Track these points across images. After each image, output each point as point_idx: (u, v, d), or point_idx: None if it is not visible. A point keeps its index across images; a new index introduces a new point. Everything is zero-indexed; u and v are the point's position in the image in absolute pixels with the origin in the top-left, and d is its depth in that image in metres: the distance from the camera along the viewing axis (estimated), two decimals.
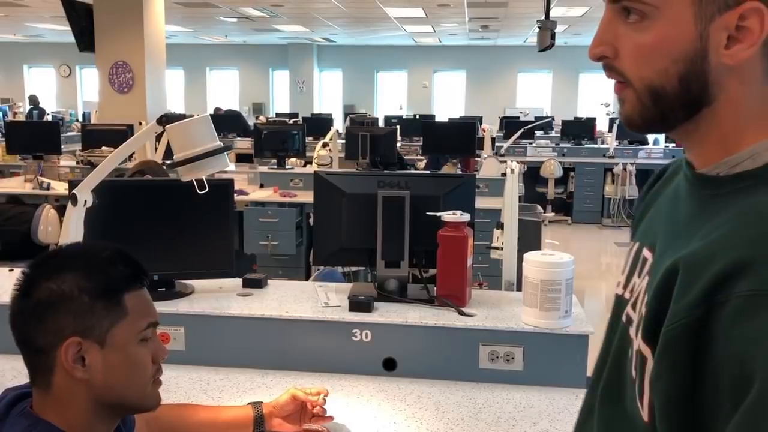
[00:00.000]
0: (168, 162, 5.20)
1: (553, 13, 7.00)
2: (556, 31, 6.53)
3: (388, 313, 1.91)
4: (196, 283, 2.14)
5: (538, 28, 6.65)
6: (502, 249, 2.49)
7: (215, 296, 2.06)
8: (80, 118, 14.34)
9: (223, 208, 2.06)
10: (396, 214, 1.97)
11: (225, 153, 1.53)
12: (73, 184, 1.80)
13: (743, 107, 0.70)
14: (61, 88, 18.80)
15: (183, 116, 1.72)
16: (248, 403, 1.55)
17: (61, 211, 5.42)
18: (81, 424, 1.05)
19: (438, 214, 1.95)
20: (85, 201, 1.68)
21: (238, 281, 2.18)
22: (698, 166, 0.74)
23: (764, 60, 0.68)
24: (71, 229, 1.69)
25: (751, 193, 0.67)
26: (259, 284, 2.14)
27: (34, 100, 14.42)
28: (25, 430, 1.01)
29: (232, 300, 2.03)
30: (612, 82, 0.76)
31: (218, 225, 2.07)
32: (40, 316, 1.03)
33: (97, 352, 1.03)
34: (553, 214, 8.65)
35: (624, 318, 0.80)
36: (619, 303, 0.84)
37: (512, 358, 1.83)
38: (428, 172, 5.96)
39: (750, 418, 0.56)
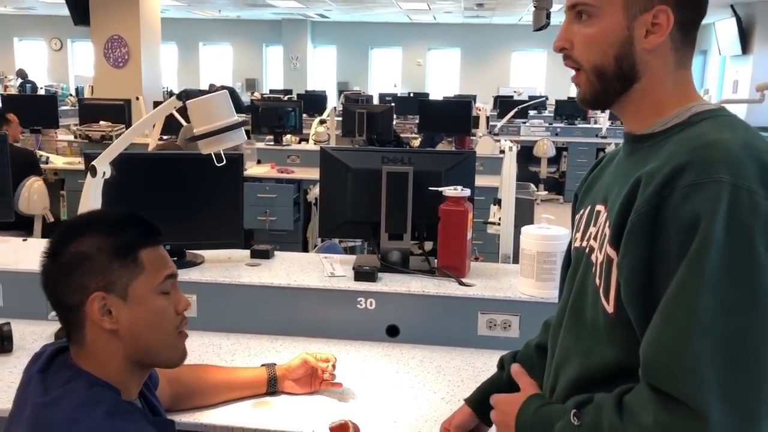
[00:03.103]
0: (164, 138, 5.24)
1: None
2: (551, 10, 6.58)
3: (391, 283, 2.01)
4: (205, 254, 2.22)
5: (534, 7, 6.69)
6: (499, 224, 2.59)
7: (225, 266, 2.15)
8: (73, 93, 14.24)
9: (233, 182, 2.14)
10: (400, 188, 2.05)
11: (242, 127, 1.60)
12: (89, 157, 1.87)
13: (663, 84, 1.00)
14: (52, 61, 18.64)
15: (201, 92, 1.78)
16: (262, 365, 1.64)
17: (59, 184, 5.48)
18: (115, 375, 1.14)
19: (440, 189, 2.04)
20: (104, 172, 1.75)
21: (246, 252, 2.27)
22: (636, 130, 1.03)
23: (674, 52, 0.99)
24: (90, 199, 1.77)
25: (681, 132, 0.96)
26: (266, 255, 2.23)
27: (22, 74, 14.26)
28: (68, 379, 1.10)
29: (242, 269, 2.12)
30: None
31: (227, 197, 2.15)
32: (66, 276, 1.12)
33: (122, 305, 1.12)
34: (546, 192, 8.74)
35: (587, 251, 1.06)
36: (578, 253, 1.10)
37: (509, 325, 1.93)
38: (431, 149, 6.03)
39: (690, 262, 0.84)
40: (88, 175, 1.75)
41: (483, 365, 1.84)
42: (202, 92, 5.85)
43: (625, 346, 0.94)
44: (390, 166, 2.08)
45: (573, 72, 1.04)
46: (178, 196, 2.11)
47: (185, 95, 1.55)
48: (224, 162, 1.68)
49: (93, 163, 1.73)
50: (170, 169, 2.11)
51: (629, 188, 0.93)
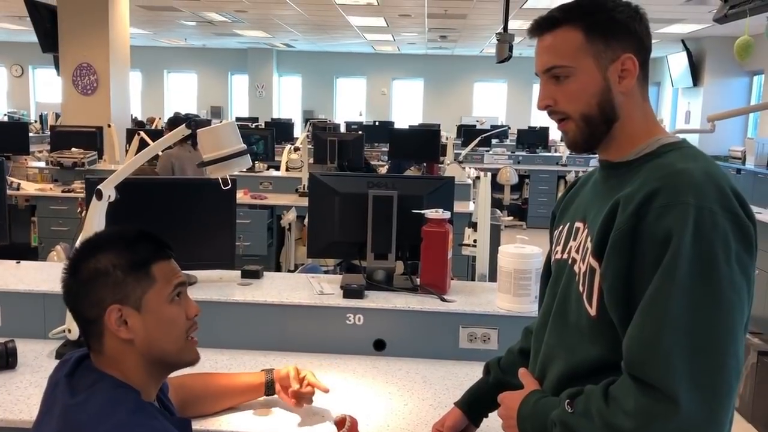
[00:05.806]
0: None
1: (509, 26, 7.31)
2: (513, 43, 6.85)
3: (378, 300, 2.14)
4: (197, 274, 2.32)
5: (497, 40, 6.94)
6: (473, 246, 2.75)
7: (218, 285, 2.25)
8: (35, 120, 14.09)
9: (226, 205, 2.25)
10: (385, 211, 2.20)
11: (248, 154, 1.73)
12: (91, 182, 1.97)
13: (636, 118, 1.17)
14: (13, 88, 18.40)
15: (194, 119, 1.89)
16: (262, 370, 1.75)
17: (30, 210, 5.48)
18: (135, 378, 1.24)
19: (422, 212, 2.19)
20: (109, 196, 1.85)
21: (236, 273, 2.37)
22: (612, 159, 1.19)
23: (639, 89, 1.16)
24: (94, 221, 1.86)
25: (652, 161, 1.13)
26: (256, 275, 2.33)
27: None
28: (93, 382, 1.20)
29: (234, 288, 2.23)
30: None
31: (221, 220, 2.26)
32: (84, 291, 1.22)
33: (136, 315, 1.22)
34: (510, 218, 8.99)
35: (569, 262, 1.20)
36: (560, 264, 1.25)
37: (488, 338, 2.08)
38: (414, 174, 6.21)
39: (663, 271, 1.00)
40: (94, 198, 1.85)
41: (465, 375, 1.97)
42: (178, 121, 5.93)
43: (605, 344, 1.10)
44: (375, 190, 2.22)
45: (545, 112, 1.21)
46: (174, 219, 2.21)
47: (194, 124, 1.66)
48: (229, 185, 1.80)
49: (99, 187, 1.83)
50: (167, 193, 2.22)
51: (609, 209, 1.09)
